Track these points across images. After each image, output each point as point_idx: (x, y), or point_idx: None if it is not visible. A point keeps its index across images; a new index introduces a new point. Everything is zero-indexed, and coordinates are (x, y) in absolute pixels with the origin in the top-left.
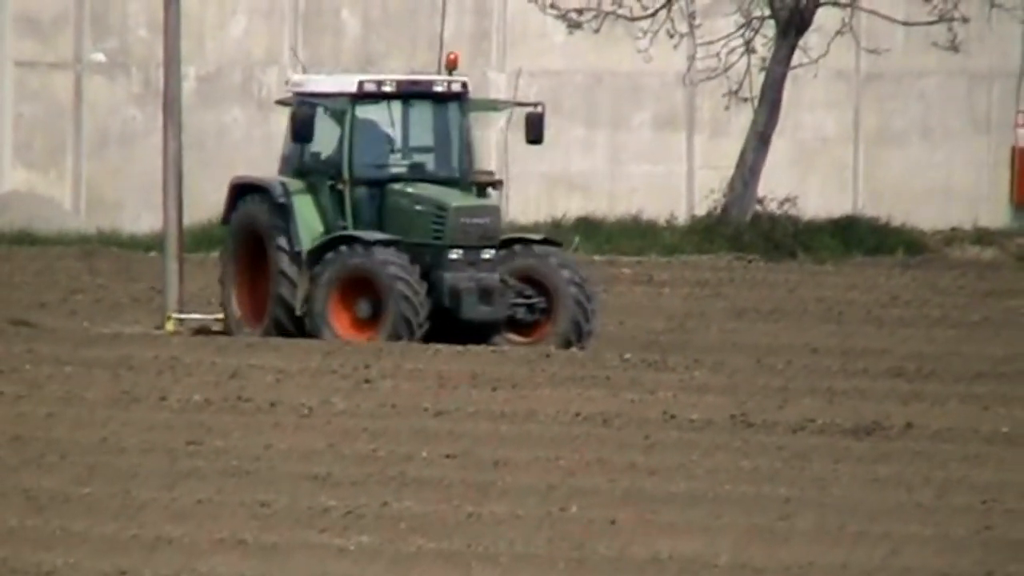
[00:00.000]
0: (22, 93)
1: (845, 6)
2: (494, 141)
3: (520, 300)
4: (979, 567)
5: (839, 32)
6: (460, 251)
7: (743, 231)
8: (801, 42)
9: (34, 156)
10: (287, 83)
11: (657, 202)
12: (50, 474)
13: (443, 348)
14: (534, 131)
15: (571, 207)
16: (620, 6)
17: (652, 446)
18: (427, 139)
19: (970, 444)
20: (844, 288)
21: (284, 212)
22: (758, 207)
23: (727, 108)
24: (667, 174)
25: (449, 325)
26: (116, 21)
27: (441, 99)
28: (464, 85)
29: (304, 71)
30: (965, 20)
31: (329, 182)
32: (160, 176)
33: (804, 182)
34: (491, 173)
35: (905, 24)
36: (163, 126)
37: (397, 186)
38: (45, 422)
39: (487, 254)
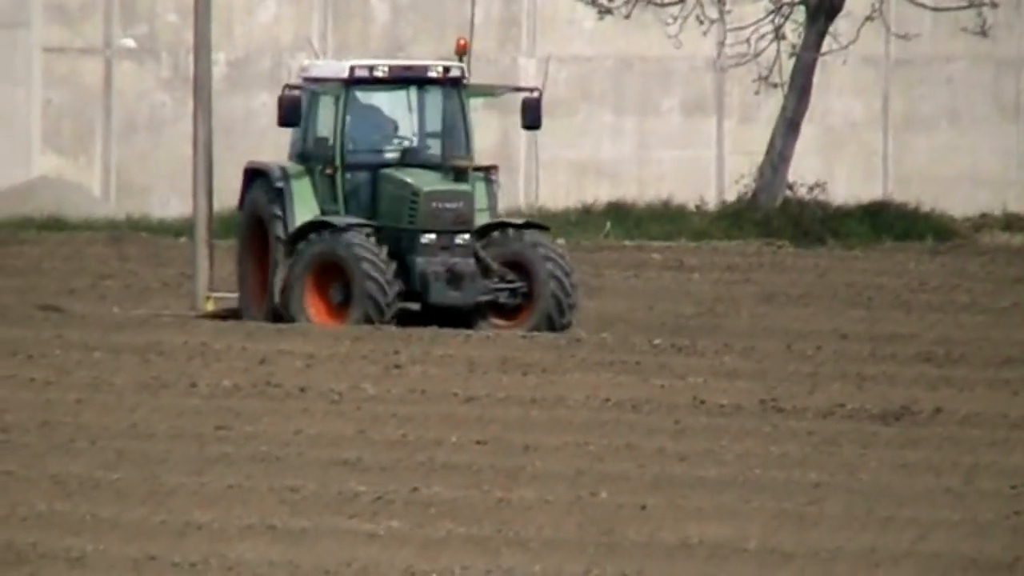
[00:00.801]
0: (51, 79)
1: None
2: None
3: (502, 285)
4: (1007, 552)
5: (868, 18)
6: (433, 236)
7: (772, 216)
8: (831, 28)
9: (63, 142)
10: (300, 68)
11: (686, 187)
12: (79, 459)
13: (473, 334)
14: (531, 116)
15: (601, 193)
16: None
17: (681, 431)
18: (421, 125)
19: (999, 429)
20: (873, 273)
21: (281, 197)
22: (787, 192)
23: (757, 94)
24: (696, 159)
25: (424, 309)
26: (145, 7)
27: (435, 84)
28: (461, 71)
29: (318, 56)
30: (994, 5)
31: (320, 167)
32: (189, 161)
33: (833, 168)
34: (469, 158)
35: (935, 10)
36: (193, 111)
37: (387, 171)
38: (74, 407)
39: (461, 239)
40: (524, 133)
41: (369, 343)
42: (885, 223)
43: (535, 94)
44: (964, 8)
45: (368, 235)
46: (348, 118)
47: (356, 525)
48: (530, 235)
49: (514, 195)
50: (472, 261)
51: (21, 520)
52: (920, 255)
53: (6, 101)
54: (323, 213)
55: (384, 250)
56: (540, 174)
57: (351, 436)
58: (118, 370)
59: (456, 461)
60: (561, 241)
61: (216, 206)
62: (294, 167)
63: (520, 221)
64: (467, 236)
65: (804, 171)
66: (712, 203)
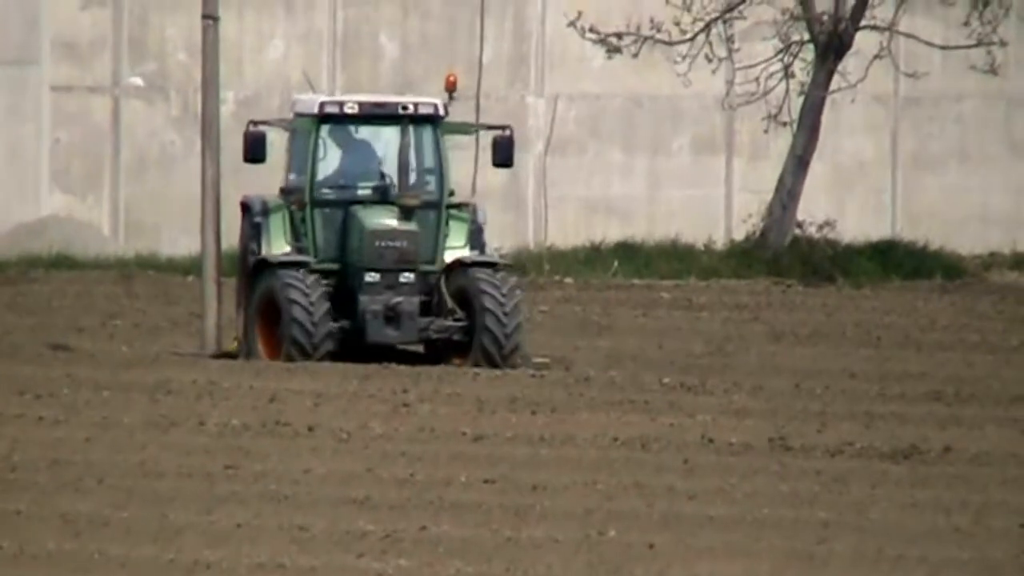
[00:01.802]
0: (60, 117)
1: (884, 30)
2: (531, 166)
3: (451, 322)
4: None
5: (877, 56)
6: (376, 274)
7: (781, 255)
8: (840, 66)
9: (72, 180)
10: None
11: (696, 226)
12: (88, 498)
13: (482, 372)
14: (502, 154)
15: (610, 231)
16: (659, 30)
17: (691, 470)
18: (393, 162)
19: (1008, 468)
20: (882, 312)
21: (258, 232)
22: (797, 231)
23: (766, 132)
24: (706, 198)
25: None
26: (154, 45)
27: (408, 121)
28: (435, 107)
29: (314, 91)
30: (1003, 44)
31: (292, 203)
32: (198, 200)
33: (842, 206)
34: (417, 196)
35: (944, 48)
36: (201, 150)
37: (353, 208)
38: (83, 446)
39: (406, 277)
40: (533, 171)
41: (377, 382)
42: (894, 262)
43: (507, 132)
44: (973, 46)
45: (308, 273)
46: (319, 154)
47: (365, 564)
48: (475, 271)
49: (523, 233)
50: (416, 300)
51: (31, 559)
52: (929, 294)
53: (15, 139)
54: (296, 250)
55: (319, 289)
56: (549, 212)
57: (360, 475)
58: (127, 408)
59: (465, 500)
60: (505, 276)
61: (225, 244)
62: (275, 202)
63: (477, 258)
64: (412, 275)
65: (813, 209)
66: (721, 242)
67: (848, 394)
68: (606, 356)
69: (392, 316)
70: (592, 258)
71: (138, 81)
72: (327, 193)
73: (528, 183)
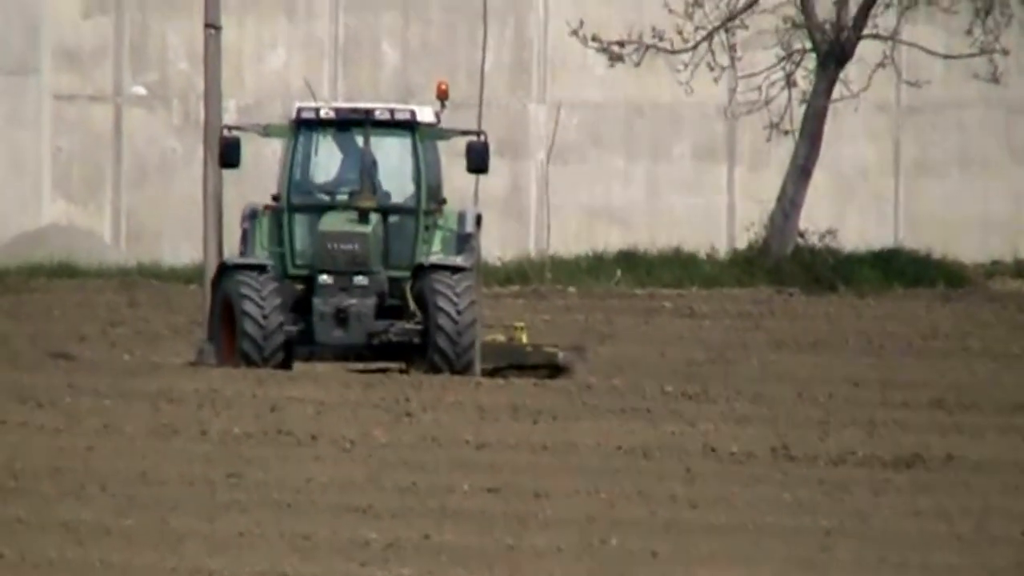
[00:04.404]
0: (61, 126)
1: (886, 39)
2: (533, 174)
3: (411, 325)
4: None
5: (880, 64)
6: (328, 277)
7: (783, 263)
8: (842, 75)
9: (73, 189)
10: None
11: (697, 234)
12: (89, 506)
13: (484, 380)
14: (476, 160)
15: (612, 239)
16: (661, 39)
17: (693, 478)
18: (363, 167)
19: (1010, 476)
20: (884, 320)
21: (244, 238)
22: (799, 239)
23: (768, 140)
24: (707, 206)
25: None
26: (155, 53)
27: (383, 127)
28: (412, 113)
29: (315, 98)
30: (1005, 52)
31: (265, 209)
32: (200, 208)
33: (844, 214)
34: (372, 199)
35: (946, 57)
36: (203, 158)
37: (326, 214)
38: (85, 454)
39: (360, 280)
40: (535, 179)
41: (380, 390)
42: (896, 270)
43: (481, 138)
44: (975, 55)
45: (263, 276)
46: (295, 160)
47: (367, 572)
48: (434, 274)
49: (525, 241)
50: (370, 302)
51: (32, 567)
52: (931, 302)
53: (16, 148)
54: (271, 255)
55: (271, 288)
56: (551, 220)
57: (362, 483)
58: (129, 416)
59: (467, 508)
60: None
61: (226, 252)
62: (262, 208)
63: (437, 261)
64: (364, 277)
65: (815, 218)
66: (723, 250)
67: (850, 402)
68: (608, 364)
69: (342, 318)
70: (594, 266)
71: (140, 90)
72: (303, 198)
73: (530, 191)
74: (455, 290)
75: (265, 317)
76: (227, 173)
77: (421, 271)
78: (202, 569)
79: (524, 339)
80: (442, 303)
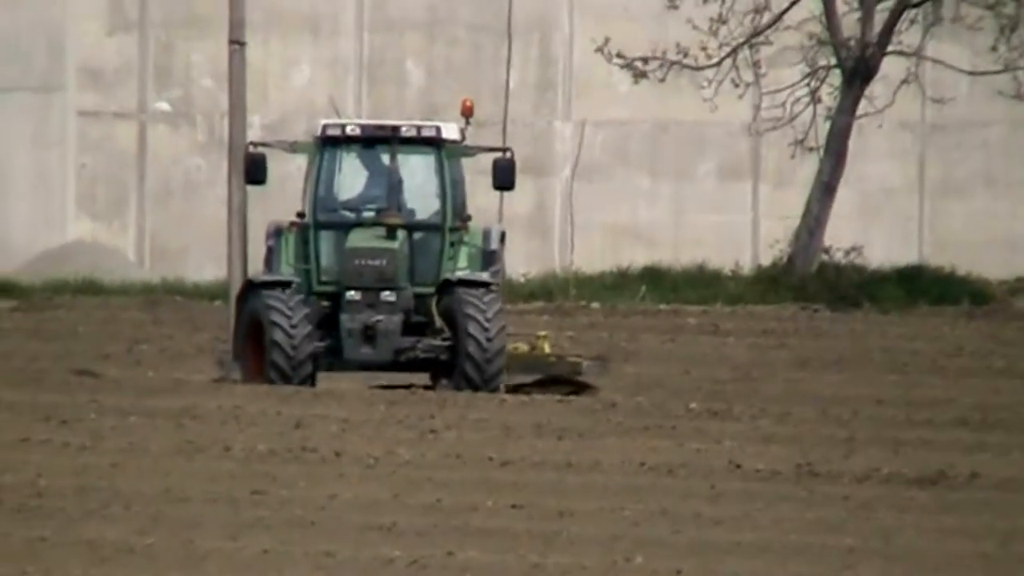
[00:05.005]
0: (85, 143)
1: (910, 55)
2: (558, 192)
3: (439, 342)
4: None
5: (904, 81)
6: (356, 293)
7: (808, 281)
8: (866, 92)
9: (98, 206)
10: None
11: (722, 252)
12: (113, 524)
13: (508, 398)
14: (502, 177)
15: (636, 257)
16: (685, 56)
17: (717, 496)
18: (390, 184)
19: None
20: (909, 338)
21: (269, 255)
22: (823, 257)
23: (792, 158)
24: (732, 224)
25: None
26: (180, 71)
27: (409, 144)
28: (438, 130)
29: (339, 115)
30: None
31: (291, 226)
32: (224, 225)
33: (869, 232)
34: (398, 216)
35: (971, 74)
36: (227, 175)
37: (352, 230)
38: (109, 472)
39: (388, 296)
40: (560, 196)
41: (404, 408)
42: (921, 287)
43: (508, 155)
44: (1000, 72)
45: (291, 295)
46: (321, 176)
47: None
48: (460, 291)
49: (550, 258)
50: (397, 319)
51: None
52: (956, 319)
53: (41, 165)
54: (297, 272)
55: (303, 311)
56: (576, 238)
57: (386, 501)
58: (153, 435)
59: (491, 526)
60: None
61: (251, 270)
62: (287, 225)
63: (464, 277)
64: (392, 293)
65: (840, 235)
66: (747, 267)
67: (875, 420)
68: (633, 382)
69: (370, 335)
70: (619, 284)
71: (164, 106)
72: (329, 215)
73: (555, 208)
74: (486, 315)
75: (294, 337)
76: (251, 190)
77: (448, 286)
78: None
79: (547, 348)
80: (472, 329)
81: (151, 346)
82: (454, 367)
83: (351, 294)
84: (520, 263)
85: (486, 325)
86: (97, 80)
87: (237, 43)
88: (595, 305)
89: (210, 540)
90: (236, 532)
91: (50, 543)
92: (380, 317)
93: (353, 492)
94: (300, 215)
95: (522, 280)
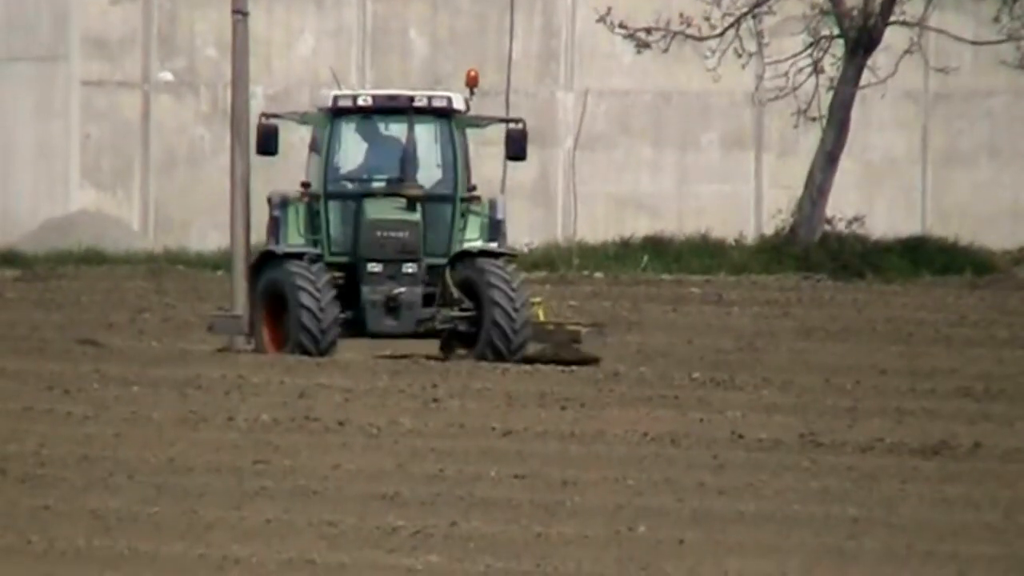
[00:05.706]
0: (90, 113)
1: (913, 25)
2: (561, 162)
3: (457, 313)
4: None
5: (907, 51)
6: (379, 264)
7: (811, 251)
8: (869, 62)
9: (102, 176)
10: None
11: (725, 222)
12: (117, 494)
13: (511, 367)
14: (515, 147)
15: (639, 227)
16: (688, 26)
17: (721, 466)
18: (404, 155)
19: None
20: (912, 308)
21: (276, 225)
22: (826, 227)
23: (795, 128)
24: (735, 194)
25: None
26: (184, 41)
27: (421, 114)
28: (449, 101)
29: (340, 86)
30: None
31: (307, 197)
32: (227, 195)
33: (872, 202)
34: (418, 187)
35: (974, 43)
36: (231, 145)
37: (362, 201)
38: (112, 442)
39: (409, 268)
40: (563, 166)
41: (407, 377)
42: (924, 257)
43: (520, 125)
44: (1003, 41)
45: (312, 263)
46: (333, 147)
47: (395, 560)
48: (482, 262)
49: (552, 229)
50: (418, 290)
51: (60, 555)
52: (959, 289)
53: (45, 135)
54: (309, 243)
55: (325, 279)
56: (578, 208)
57: (390, 470)
58: (156, 404)
59: (495, 496)
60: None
61: (254, 239)
62: (293, 196)
63: (483, 248)
64: (414, 265)
65: (843, 205)
66: (751, 237)
67: (878, 390)
68: (636, 352)
69: (393, 306)
70: (621, 253)
71: (168, 75)
72: (340, 186)
73: (557, 179)
74: (511, 285)
75: (322, 310)
76: (254, 160)
77: (463, 257)
78: (229, 557)
79: (541, 315)
80: (499, 298)
81: (154, 316)
82: (474, 337)
83: (372, 266)
84: (523, 233)
85: (512, 295)
86: (101, 50)
87: (240, 13)
88: (598, 275)
89: (214, 510)
90: (240, 501)
91: (53, 512)
92: (402, 289)
93: (356, 462)
94: (305, 185)
95: (525, 250)
